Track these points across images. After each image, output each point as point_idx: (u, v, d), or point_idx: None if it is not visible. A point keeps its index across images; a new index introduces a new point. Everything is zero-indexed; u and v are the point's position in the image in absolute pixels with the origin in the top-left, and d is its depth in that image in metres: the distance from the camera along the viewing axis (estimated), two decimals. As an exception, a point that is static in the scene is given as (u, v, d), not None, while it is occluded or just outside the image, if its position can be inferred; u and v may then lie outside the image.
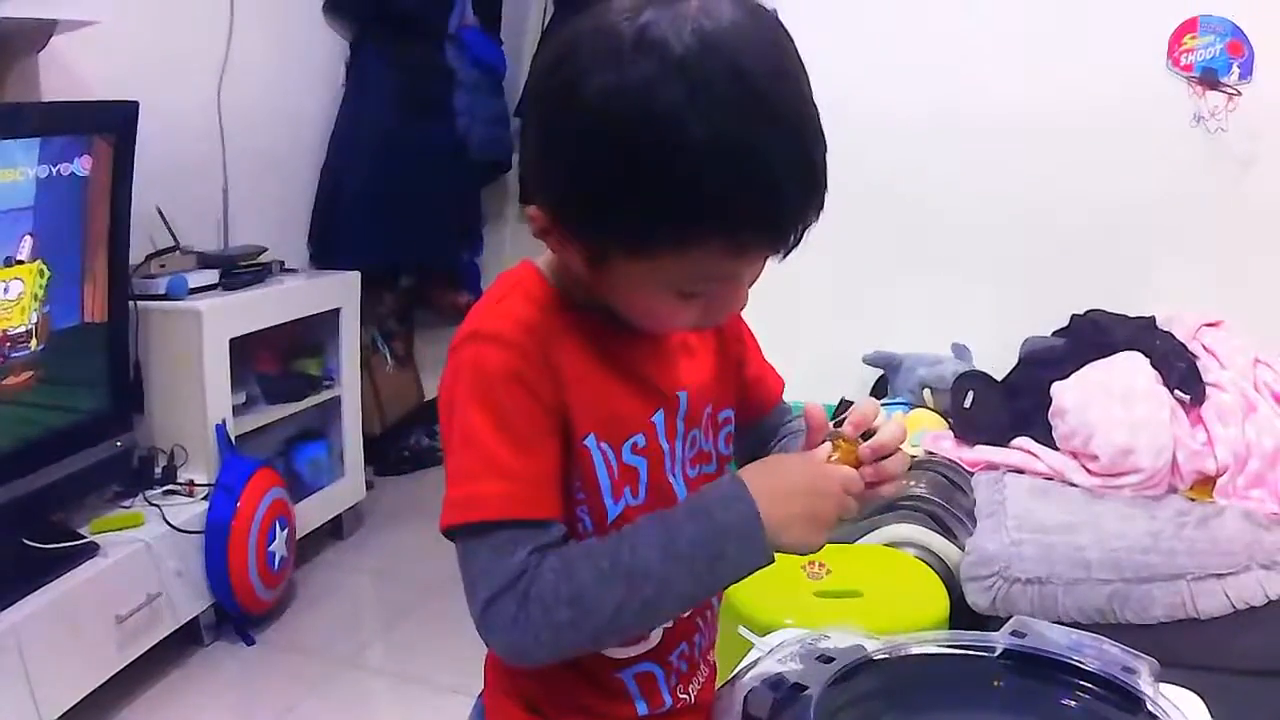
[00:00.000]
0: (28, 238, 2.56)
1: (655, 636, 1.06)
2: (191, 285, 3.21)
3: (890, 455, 0.99)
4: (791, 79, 0.89)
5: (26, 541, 2.69)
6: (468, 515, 0.94)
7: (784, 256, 0.95)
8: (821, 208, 0.91)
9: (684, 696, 1.11)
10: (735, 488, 0.96)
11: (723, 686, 1.12)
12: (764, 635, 1.21)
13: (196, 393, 3.16)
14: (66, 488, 2.83)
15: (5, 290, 2.51)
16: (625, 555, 0.93)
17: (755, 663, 1.08)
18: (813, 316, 3.28)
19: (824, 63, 1.05)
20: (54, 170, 2.64)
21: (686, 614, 1.07)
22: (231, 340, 3.24)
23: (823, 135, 0.91)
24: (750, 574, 0.96)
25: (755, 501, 0.94)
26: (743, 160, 0.84)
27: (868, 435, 0.99)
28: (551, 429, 0.97)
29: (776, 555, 0.96)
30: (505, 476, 0.94)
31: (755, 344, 1.23)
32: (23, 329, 2.60)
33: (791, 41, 0.91)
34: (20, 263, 2.55)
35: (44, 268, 2.61)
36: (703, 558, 0.94)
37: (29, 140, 2.57)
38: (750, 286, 1.00)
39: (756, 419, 1.23)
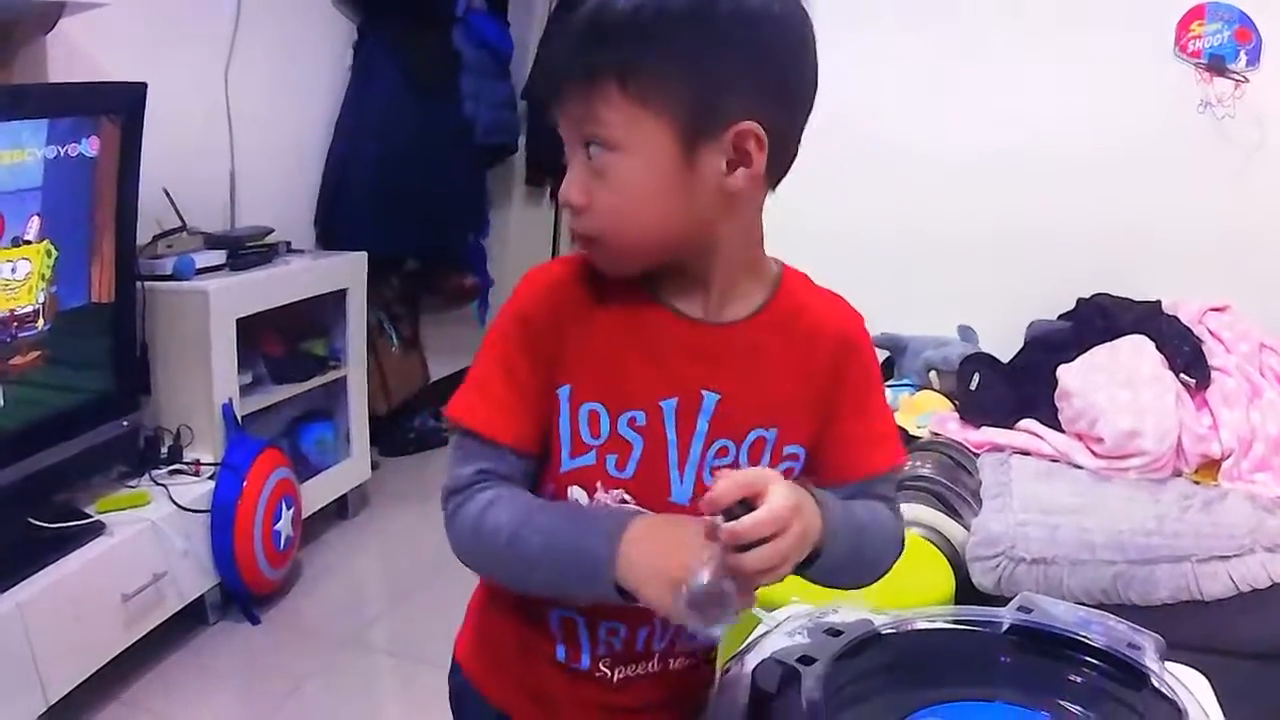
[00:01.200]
0: (35, 218, 2.54)
1: None
2: (199, 266, 3.20)
3: (752, 546, 0.91)
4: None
5: (33, 521, 2.69)
6: (451, 411, 1.09)
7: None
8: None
9: (604, 671, 1.14)
10: (617, 522, 1.01)
11: (730, 660, 1.12)
12: (771, 611, 1.20)
13: (203, 373, 3.15)
14: (72, 467, 2.82)
15: (13, 270, 2.50)
16: (524, 527, 1.03)
17: (762, 637, 1.08)
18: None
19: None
20: (62, 151, 2.62)
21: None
22: (238, 320, 3.23)
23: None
24: (598, 600, 1.04)
25: (622, 543, 0.98)
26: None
27: (750, 506, 0.92)
28: (536, 373, 1.06)
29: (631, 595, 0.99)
30: (484, 394, 1.08)
31: (874, 406, 1.17)
32: (30, 309, 2.59)
33: None
34: (28, 243, 2.53)
35: (51, 248, 2.60)
36: (564, 566, 1.02)
37: (37, 121, 2.56)
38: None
39: (834, 484, 1.12)
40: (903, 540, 1.17)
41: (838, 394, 1.12)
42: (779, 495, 0.92)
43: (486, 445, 1.07)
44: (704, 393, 1.06)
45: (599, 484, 1.07)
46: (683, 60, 0.96)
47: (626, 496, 1.07)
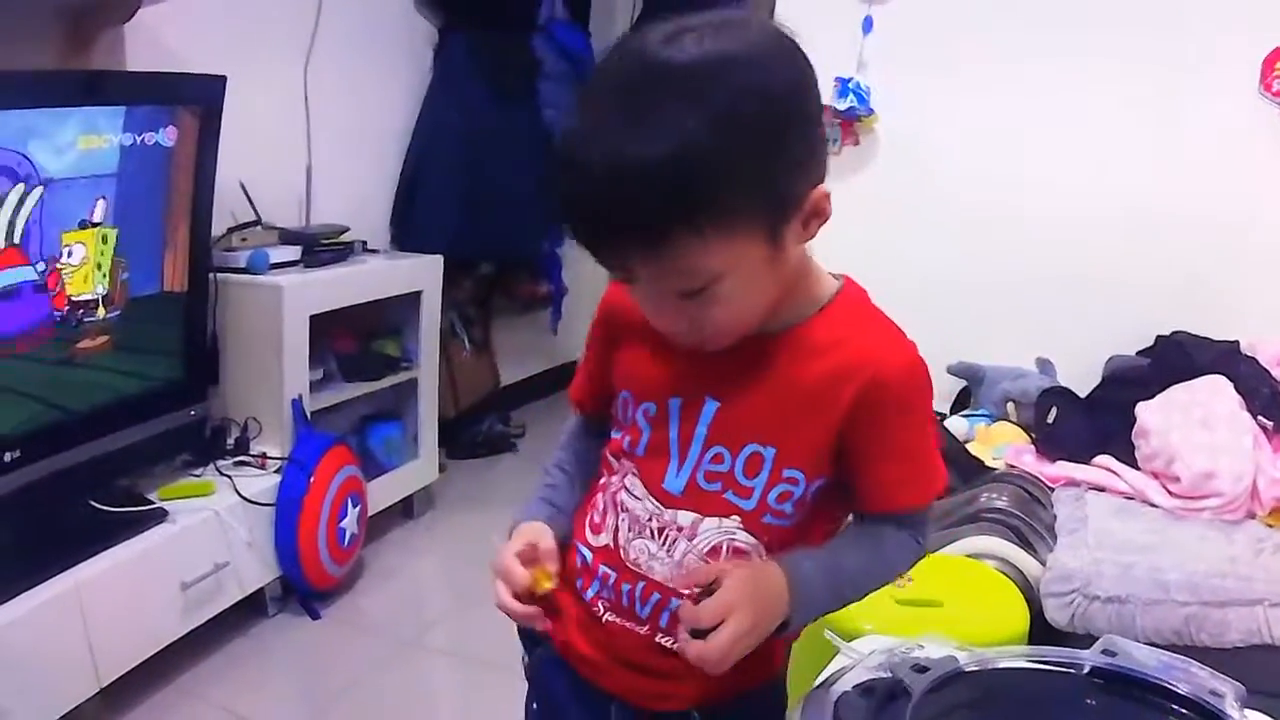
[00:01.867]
0: (100, 201, 2.52)
1: (602, 539, 1.19)
2: (273, 260, 3.18)
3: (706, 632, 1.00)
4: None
5: (94, 504, 2.67)
6: None
7: (624, 266, 1.00)
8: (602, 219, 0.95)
9: (601, 610, 1.19)
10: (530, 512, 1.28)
11: (814, 690, 1.10)
12: (849, 640, 1.23)
13: (274, 367, 3.13)
14: (136, 453, 2.80)
15: (69, 254, 2.48)
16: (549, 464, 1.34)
17: (845, 670, 1.08)
18: (900, 323, 3.16)
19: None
20: (138, 139, 2.61)
21: (628, 564, 1.17)
22: (311, 317, 3.20)
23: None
24: None
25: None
26: (573, 146, 0.95)
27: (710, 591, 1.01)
28: (601, 357, 1.25)
29: None
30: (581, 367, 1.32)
31: (903, 445, 1.13)
32: (88, 296, 2.56)
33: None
34: (95, 225, 2.51)
35: (107, 234, 2.57)
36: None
37: (115, 108, 2.54)
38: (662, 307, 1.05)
39: (861, 512, 1.18)
40: (912, 561, 1.17)
41: (857, 431, 1.09)
42: (729, 586, 1.00)
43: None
44: (706, 398, 1.11)
45: (621, 456, 1.20)
46: (748, 176, 0.92)
47: (634, 470, 1.17)
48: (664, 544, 1.13)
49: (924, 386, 1.12)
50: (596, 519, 1.20)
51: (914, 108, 3.17)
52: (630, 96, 0.91)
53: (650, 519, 1.14)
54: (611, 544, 1.17)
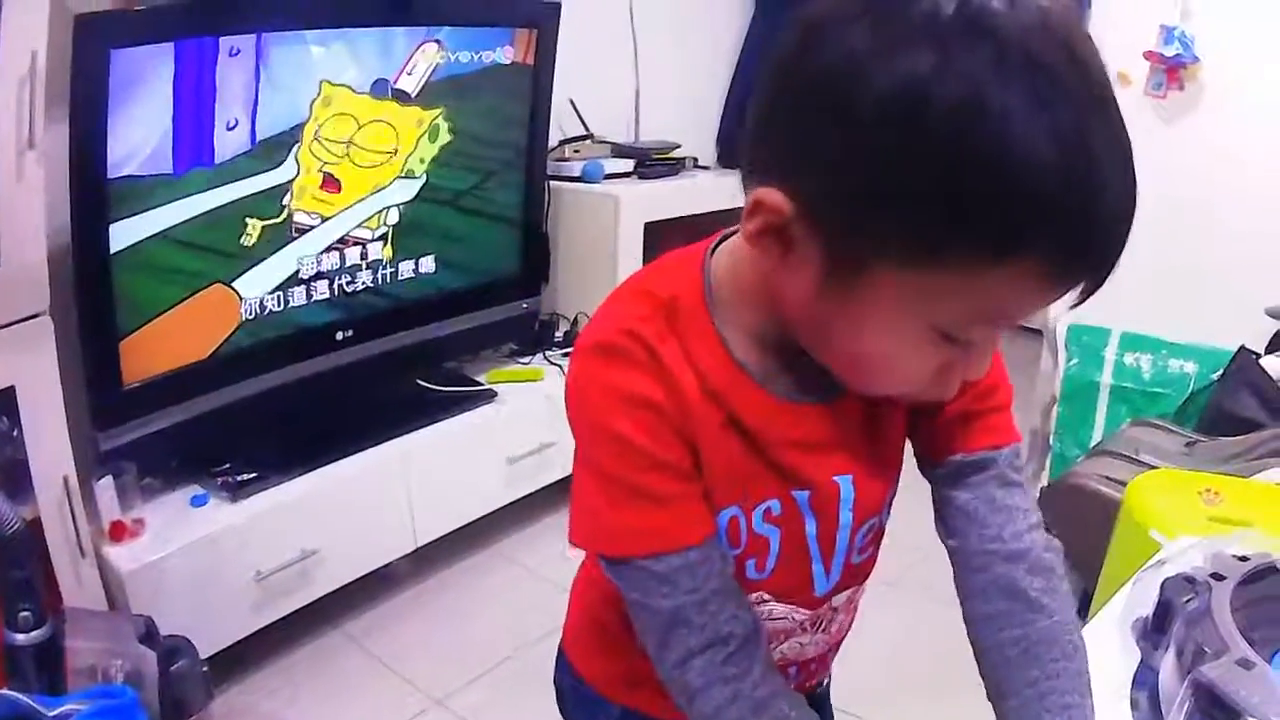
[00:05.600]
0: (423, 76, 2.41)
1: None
2: (607, 171, 3.04)
3: None
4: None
5: (422, 383, 2.63)
6: (604, 548, 0.75)
7: (1083, 297, 0.63)
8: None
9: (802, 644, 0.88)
10: None
11: (1143, 573, 0.98)
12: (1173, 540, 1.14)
13: (607, 269, 2.97)
14: (466, 340, 2.74)
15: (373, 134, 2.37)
16: None
17: (1166, 559, 1.01)
18: (1221, 261, 2.75)
19: None
20: (476, 56, 2.51)
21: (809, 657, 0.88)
22: (644, 224, 3.02)
23: None
24: None
25: None
26: (1083, 163, 0.55)
27: None
28: (688, 453, 0.73)
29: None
30: (652, 503, 0.73)
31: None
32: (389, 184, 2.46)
33: None
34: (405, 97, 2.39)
35: (441, 122, 2.47)
36: None
37: (454, 29, 2.44)
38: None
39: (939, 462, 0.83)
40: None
41: None
42: None
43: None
44: (836, 479, 0.77)
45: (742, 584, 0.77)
46: None
47: (767, 596, 0.81)
48: (819, 629, 0.87)
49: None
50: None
51: (1240, 55, 2.70)
52: (1101, 91, 0.58)
53: (801, 623, 0.85)
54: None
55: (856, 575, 0.85)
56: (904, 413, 0.81)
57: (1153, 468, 2.18)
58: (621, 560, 0.72)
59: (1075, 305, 0.65)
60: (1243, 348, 2.58)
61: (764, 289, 0.69)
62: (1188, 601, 0.86)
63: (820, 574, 0.82)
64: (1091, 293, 0.62)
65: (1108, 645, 0.92)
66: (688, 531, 0.72)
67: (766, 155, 0.64)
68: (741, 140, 0.66)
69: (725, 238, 0.77)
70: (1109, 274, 0.61)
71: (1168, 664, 0.83)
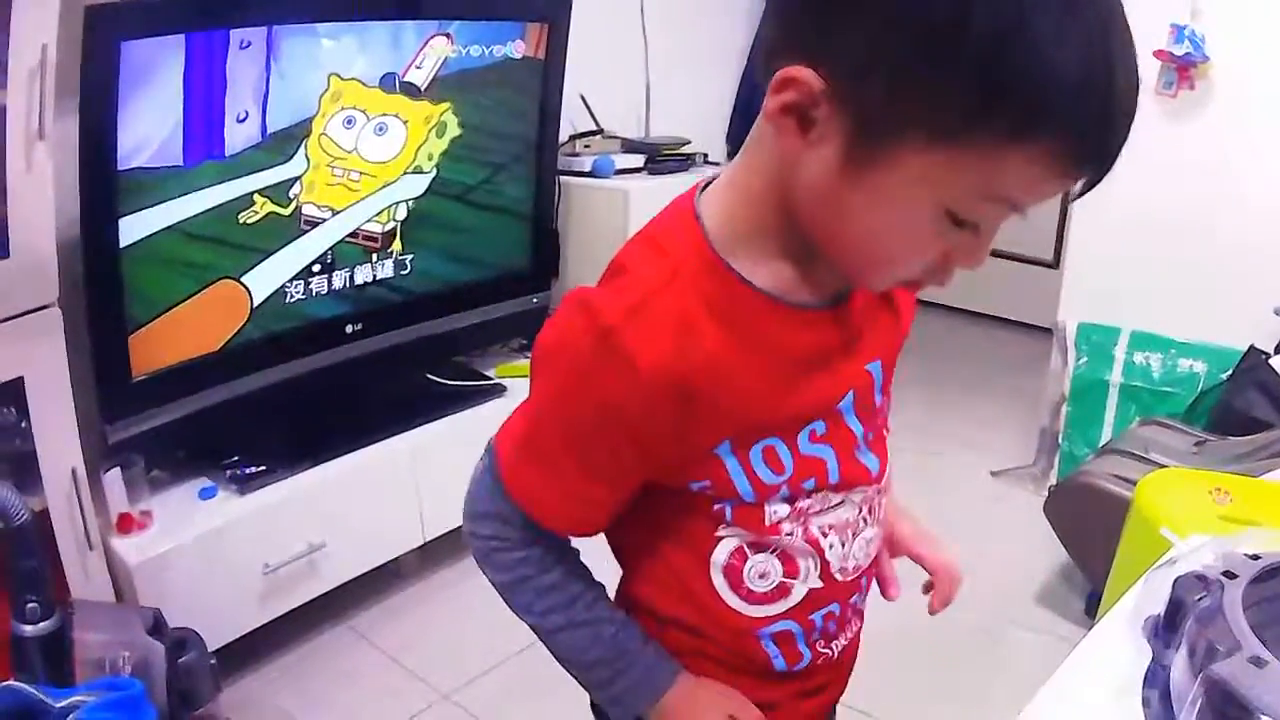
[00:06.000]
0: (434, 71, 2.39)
1: (797, 594, 0.85)
2: (617, 167, 3.04)
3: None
4: None
5: (430, 377, 2.63)
6: (509, 484, 0.83)
7: (1084, 190, 0.68)
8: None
9: (825, 651, 0.91)
10: (651, 687, 0.87)
11: (1154, 571, 0.98)
12: (1184, 539, 1.13)
13: (622, 264, 2.95)
14: (476, 334, 2.73)
15: (381, 129, 2.35)
16: (560, 630, 0.89)
17: (1177, 558, 1.00)
18: (1231, 261, 2.73)
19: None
20: (488, 50, 2.50)
21: (846, 579, 0.88)
22: (655, 220, 3.01)
23: None
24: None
25: (662, 699, 0.87)
26: (1101, 63, 0.61)
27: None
28: (641, 464, 0.78)
29: None
30: (567, 495, 0.81)
31: None
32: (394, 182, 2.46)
33: None
34: (414, 90, 2.38)
35: (451, 116, 2.45)
36: (597, 684, 0.89)
37: (466, 22, 2.43)
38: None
39: None
40: None
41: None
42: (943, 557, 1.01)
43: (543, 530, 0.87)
44: (869, 368, 0.83)
45: (805, 505, 0.82)
46: None
47: (833, 497, 0.83)
48: (875, 518, 0.90)
49: None
50: (764, 588, 0.84)
51: (1251, 54, 2.67)
52: (1119, 7, 0.63)
53: (861, 511, 0.87)
54: (819, 583, 0.86)
55: (882, 454, 0.89)
56: None
57: (1162, 466, 2.18)
58: (505, 490, 0.83)
59: (1077, 197, 0.68)
60: (1252, 347, 2.57)
61: (773, 190, 0.72)
62: (1199, 600, 0.85)
63: (873, 463, 0.86)
64: (1093, 185, 0.67)
65: (1119, 643, 0.92)
66: (585, 526, 0.83)
67: (797, 36, 0.66)
68: (765, 26, 0.68)
69: (703, 189, 0.79)
70: (1109, 167, 0.65)
71: (1180, 662, 0.83)
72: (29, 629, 1.40)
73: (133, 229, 1.90)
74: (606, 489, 0.80)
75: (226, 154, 2.03)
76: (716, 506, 0.80)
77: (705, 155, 3.40)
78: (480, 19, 2.47)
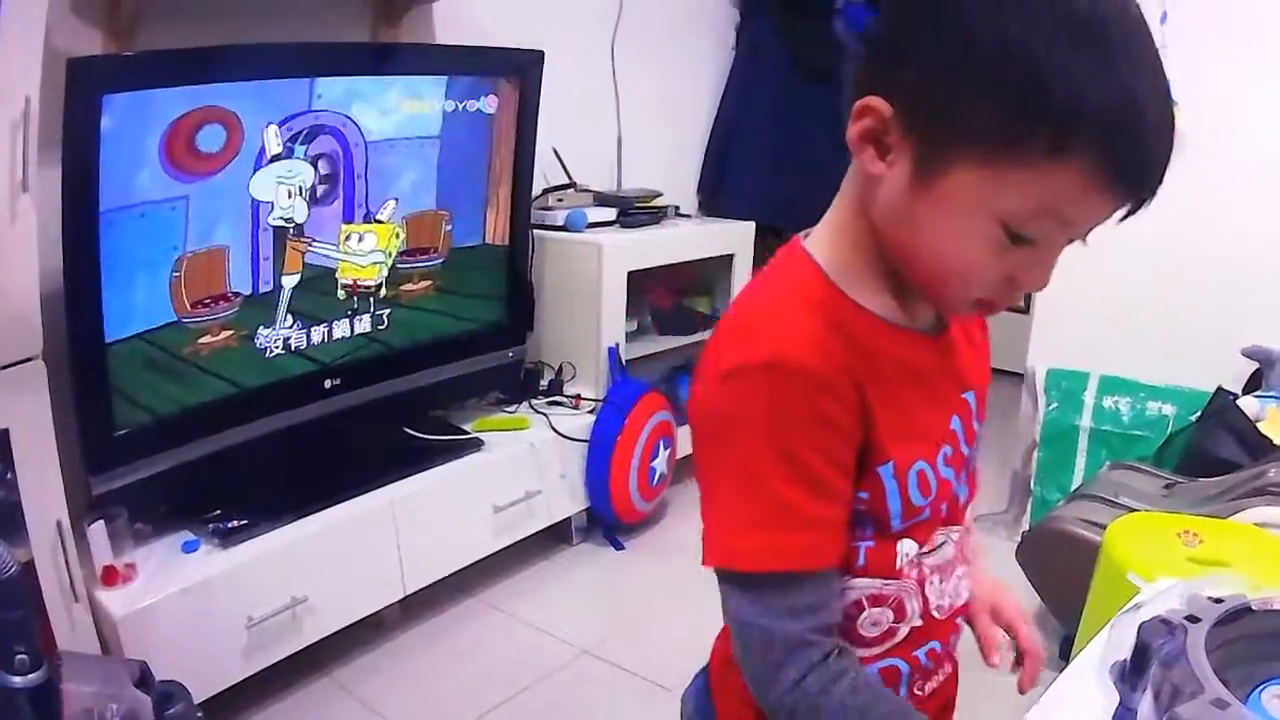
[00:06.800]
0: (391, 203, 2.46)
1: (902, 632, 0.89)
2: (590, 220, 3.08)
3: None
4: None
5: (409, 431, 2.65)
6: (753, 564, 0.79)
7: (1130, 213, 0.75)
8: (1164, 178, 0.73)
9: (919, 693, 0.94)
10: None
11: (1121, 616, 1.02)
12: (1150, 583, 1.18)
13: (591, 317, 3.01)
14: (453, 388, 2.77)
15: (359, 240, 2.41)
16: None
17: (1144, 603, 1.05)
18: (1197, 304, 2.83)
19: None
20: (460, 106, 2.55)
21: (943, 617, 0.93)
22: (628, 273, 3.06)
23: None
24: None
25: None
26: (1124, 100, 0.68)
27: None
28: (852, 472, 0.81)
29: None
30: (805, 525, 0.78)
31: None
32: (372, 283, 2.51)
33: None
34: (379, 222, 2.45)
35: (399, 230, 2.50)
36: None
37: (437, 78, 2.49)
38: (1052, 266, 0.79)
39: None
40: None
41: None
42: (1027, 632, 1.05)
43: (812, 580, 0.80)
44: (965, 396, 0.92)
45: (930, 529, 0.89)
46: None
47: (937, 537, 0.90)
48: (964, 556, 0.96)
49: None
50: (874, 634, 0.88)
51: (1216, 97, 2.71)
52: (1145, 39, 0.71)
53: (959, 546, 0.94)
54: (920, 623, 0.90)
55: (972, 486, 0.97)
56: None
57: (1132, 510, 2.21)
58: (756, 577, 0.79)
59: (1122, 220, 0.75)
60: (1220, 389, 2.62)
61: (862, 215, 0.81)
62: (1163, 644, 0.88)
63: (962, 489, 0.93)
64: (1134, 211, 0.74)
65: (1087, 688, 0.94)
66: (833, 553, 0.80)
67: (874, 73, 0.76)
68: (853, 72, 0.78)
69: (805, 237, 0.87)
70: (1149, 188, 0.73)
71: (1145, 705, 0.85)
72: (18, 680, 1.39)
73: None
74: (837, 505, 0.80)
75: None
76: (854, 544, 0.83)
77: (677, 208, 3.46)
78: (453, 74, 2.51)
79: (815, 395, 0.76)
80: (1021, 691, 1.01)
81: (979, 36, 0.69)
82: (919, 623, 0.89)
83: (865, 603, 0.86)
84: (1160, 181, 0.72)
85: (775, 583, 0.78)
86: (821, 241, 0.84)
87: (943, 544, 0.90)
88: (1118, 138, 0.68)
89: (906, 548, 0.86)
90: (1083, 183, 0.70)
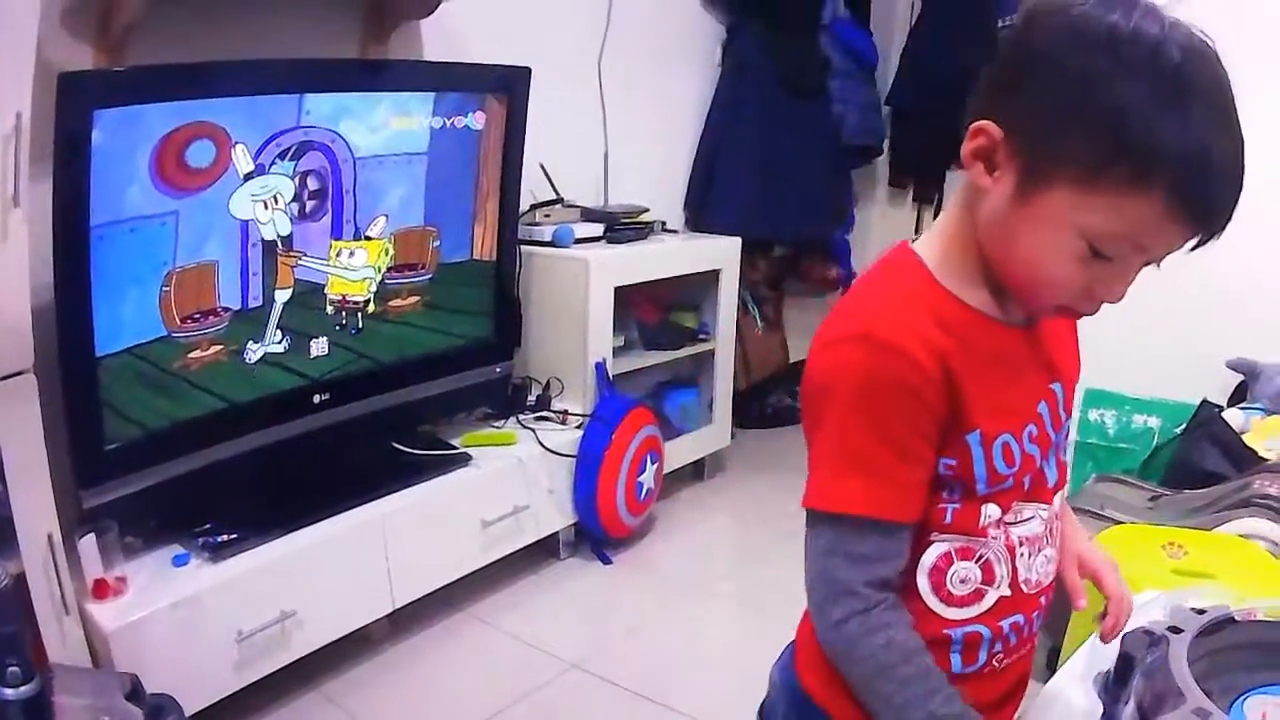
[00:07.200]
0: (382, 219, 2.47)
1: (989, 600, 0.96)
2: (577, 236, 3.10)
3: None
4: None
5: (397, 446, 2.66)
6: (833, 505, 0.90)
7: (1198, 245, 0.85)
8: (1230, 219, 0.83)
9: (997, 665, 1.00)
10: None
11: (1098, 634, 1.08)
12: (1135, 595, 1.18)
13: (578, 332, 3.02)
14: (441, 403, 2.78)
15: (350, 255, 2.43)
16: (892, 671, 0.89)
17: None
18: (1183, 315, 2.85)
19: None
20: (448, 122, 2.57)
21: (1030, 591, 0.99)
22: (615, 288, 3.07)
23: None
24: None
25: None
26: (1197, 145, 0.78)
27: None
28: (935, 441, 0.90)
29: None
30: (880, 478, 0.89)
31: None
32: (360, 298, 2.53)
33: None
34: (369, 239, 2.47)
35: (389, 246, 2.51)
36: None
37: (425, 94, 2.51)
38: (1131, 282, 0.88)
39: None
40: None
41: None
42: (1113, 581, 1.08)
43: (885, 529, 0.90)
44: (1053, 386, 1.00)
45: (1012, 498, 0.96)
46: None
47: (1026, 510, 0.97)
48: (1054, 540, 1.03)
49: None
50: (963, 592, 0.95)
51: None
52: (1226, 98, 0.82)
53: (1046, 528, 1.00)
54: (1008, 592, 0.97)
55: (1061, 471, 1.02)
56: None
57: (1118, 523, 2.23)
58: (829, 517, 0.90)
59: (1192, 249, 0.85)
60: (1205, 401, 2.64)
61: (968, 224, 0.91)
62: (1146, 655, 0.91)
63: (1053, 475, 1.00)
64: (1203, 243, 0.84)
65: (1072, 698, 0.97)
66: (902, 509, 0.89)
67: (989, 100, 0.86)
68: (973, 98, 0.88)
69: (911, 242, 0.97)
70: (1217, 226, 0.82)
71: (1128, 716, 0.87)
72: (10, 693, 1.39)
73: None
74: (921, 469, 0.90)
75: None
76: (941, 505, 0.92)
77: (664, 223, 3.47)
78: (440, 90, 2.52)
79: (901, 366, 0.86)
80: (1103, 640, 1.05)
81: (1082, 79, 0.79)
82: (1007, 592, 0.96)
83: (954, 555, 0.94)
84: (1226, 221, 0.82)
85: (844, 526, 0.89)
86: (928, 244, 0.95)
87: (1030, 518, 0.97)
88: (1189, 182, 0.78)
89: (990, 510, 0.94)
90: (1158, 214, 0.79)
